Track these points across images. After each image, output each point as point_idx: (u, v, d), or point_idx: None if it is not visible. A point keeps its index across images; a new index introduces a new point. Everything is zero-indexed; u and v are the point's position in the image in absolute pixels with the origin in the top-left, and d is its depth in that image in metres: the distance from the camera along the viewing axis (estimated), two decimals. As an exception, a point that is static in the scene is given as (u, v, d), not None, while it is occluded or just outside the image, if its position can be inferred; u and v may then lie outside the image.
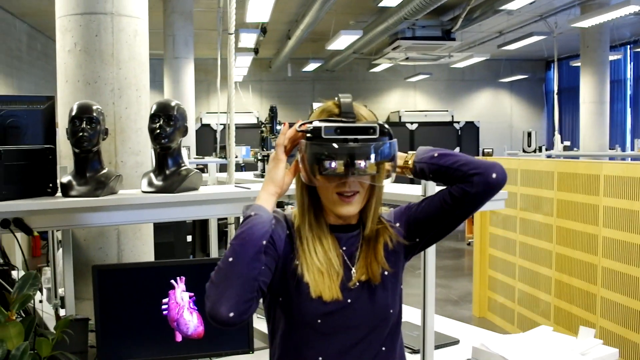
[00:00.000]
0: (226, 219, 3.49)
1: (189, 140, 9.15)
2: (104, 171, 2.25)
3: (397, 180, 1.60)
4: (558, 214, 4.88)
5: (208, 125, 13.55)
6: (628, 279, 4.10)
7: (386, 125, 1.42)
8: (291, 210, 1.60)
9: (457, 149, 14.52)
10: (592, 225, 4.45)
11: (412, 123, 14.77)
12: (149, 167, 2.77)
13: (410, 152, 1.57)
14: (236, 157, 7.12)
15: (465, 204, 1.49)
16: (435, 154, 1.52)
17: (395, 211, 1.61)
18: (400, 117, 15.81)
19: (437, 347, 2.42)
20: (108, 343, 2.24)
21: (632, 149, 14.27)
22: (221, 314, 1.32)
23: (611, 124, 12.93)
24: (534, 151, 10.21)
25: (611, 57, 12.57)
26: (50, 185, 2.13)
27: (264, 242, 1.38)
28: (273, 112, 3.43)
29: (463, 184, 1.48)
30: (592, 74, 11.73)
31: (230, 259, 1.35)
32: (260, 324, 2.20)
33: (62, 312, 2.62)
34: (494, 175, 1.47)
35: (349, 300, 1.48)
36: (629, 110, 14.99)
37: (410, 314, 2.82)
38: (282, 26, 12.08)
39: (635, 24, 12.52)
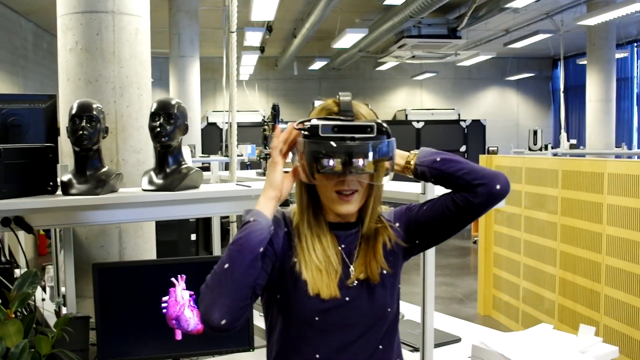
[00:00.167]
0: (228, 217, 3.49)
1: (195, 139, 9.16)
2: (104, 169, 2.26)
3: (397, 178, 1.59)
4: (562, 212, 4.86)
5: (214, 124, 13.55)
6: (632, 277, 4.08)
7: (384, 124, 1.42)
8: (290, 207, 1.60)
9: (464, 147, 14.49)
10: (596, 223, 4.43)
11: (418, 121, 14.72)
12: (150, 165, 2.78)
13: (412, 151, 1.57)
14: (242, 155, 7.17)
15: (468, 212, 1.50)
16: (438, 159, 1.52)
17: (396, 211, 1.61)
18: (406, 116, 15.79)
19: (438, 345, 2.42)
20: (108, 341, 2.25)
21: (639, 147, 14.23)
22: (214, 321, 1.34)
23: (617, 122, 12.87)
24: (540, 149, 10.15)
25: (617, 55, 12.51)
26: (51, 183, 2.14)
27: (261, 250, 1.38)
28: (275, 110, 3.42)
29: (467, 193, 1.48)
30: (599, 72, 11.67)
31: (226, 265, 1.36)
32: (260, 321, 2.20)
33: (64, 310, 2.64)
34: (497, 187, 1.48)
35: (347, 298, 1.48)
36: (635, 108, 14.89)
37: (413, 312, 2.82)
38: (288, 24, 12.08)
39: (642, 21, 12.47)
